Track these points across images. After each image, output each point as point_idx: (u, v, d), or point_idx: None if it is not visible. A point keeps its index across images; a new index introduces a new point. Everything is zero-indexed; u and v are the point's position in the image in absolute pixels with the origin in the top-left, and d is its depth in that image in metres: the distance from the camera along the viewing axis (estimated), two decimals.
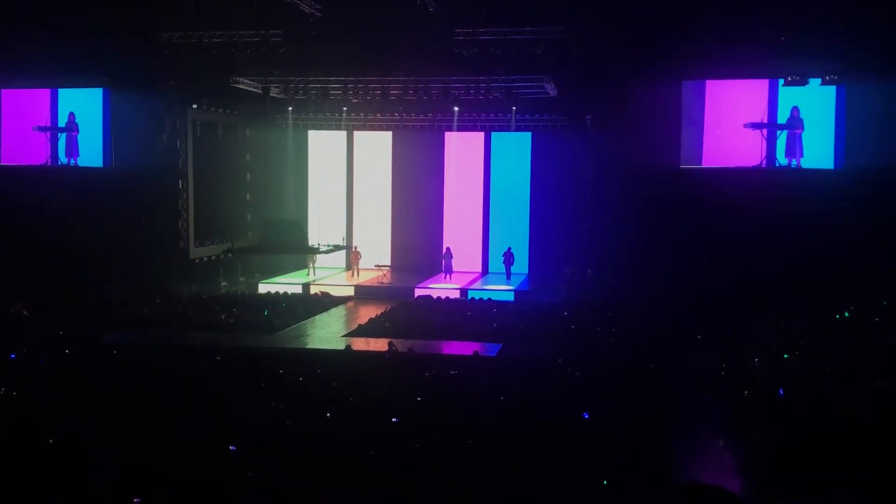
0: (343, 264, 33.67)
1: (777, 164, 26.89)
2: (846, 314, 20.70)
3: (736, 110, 27.52)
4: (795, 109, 26.93)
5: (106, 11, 26.84)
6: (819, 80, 25.41)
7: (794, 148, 27.02)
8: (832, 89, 26.24)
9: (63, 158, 30.55)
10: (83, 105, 30.47)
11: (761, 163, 26.89)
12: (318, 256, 32.15)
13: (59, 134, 30.56)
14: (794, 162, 27.03)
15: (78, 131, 30.49)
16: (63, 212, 28.36)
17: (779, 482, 11.30)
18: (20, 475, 11.23)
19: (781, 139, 27.10)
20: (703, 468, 13.12)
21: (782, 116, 27.05)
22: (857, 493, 9.99)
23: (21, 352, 18.04)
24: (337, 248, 30.09)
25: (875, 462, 10.65)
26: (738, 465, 13.16)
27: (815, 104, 26.91)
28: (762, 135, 26.94)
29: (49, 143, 30.56)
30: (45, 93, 30.59)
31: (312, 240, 29.30)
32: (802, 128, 26.96)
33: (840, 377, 15.26)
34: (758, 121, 26.88)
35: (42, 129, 30.44)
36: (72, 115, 30.48)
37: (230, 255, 30.89)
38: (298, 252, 30.00)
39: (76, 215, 28.21)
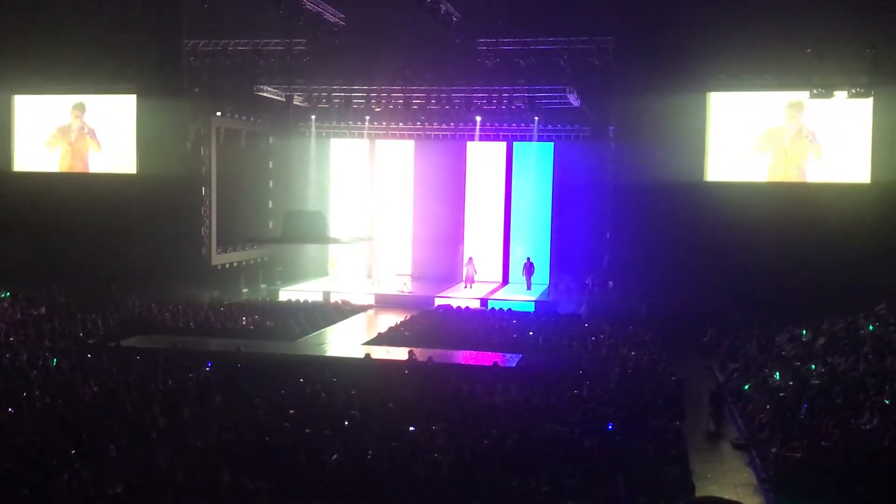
0: (364, 273, 33.69)
1: None
2: (870, 328, 20.49)
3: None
4: None
5: (132, 20, 27.15)
6: (845, 94, 25.14)
7: None
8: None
9: None
10: None
11: None
12: (339, 264, 32.16)
13: None
14: None
15: None
16: (87, 217, 28.65)
17: (797, 496, 11.19)
18: (40, 477, 11.32)
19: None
20: (722, 482, 13.01)
21: None
22: None
23: (44, 356, 18.20)
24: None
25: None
26: (757, 480, 13.05)
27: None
28: None
29: None
30: None
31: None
32: None
33: (859, 393, 15.11)
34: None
35: None
36: None
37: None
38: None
39: (100, 220, 28.46)
